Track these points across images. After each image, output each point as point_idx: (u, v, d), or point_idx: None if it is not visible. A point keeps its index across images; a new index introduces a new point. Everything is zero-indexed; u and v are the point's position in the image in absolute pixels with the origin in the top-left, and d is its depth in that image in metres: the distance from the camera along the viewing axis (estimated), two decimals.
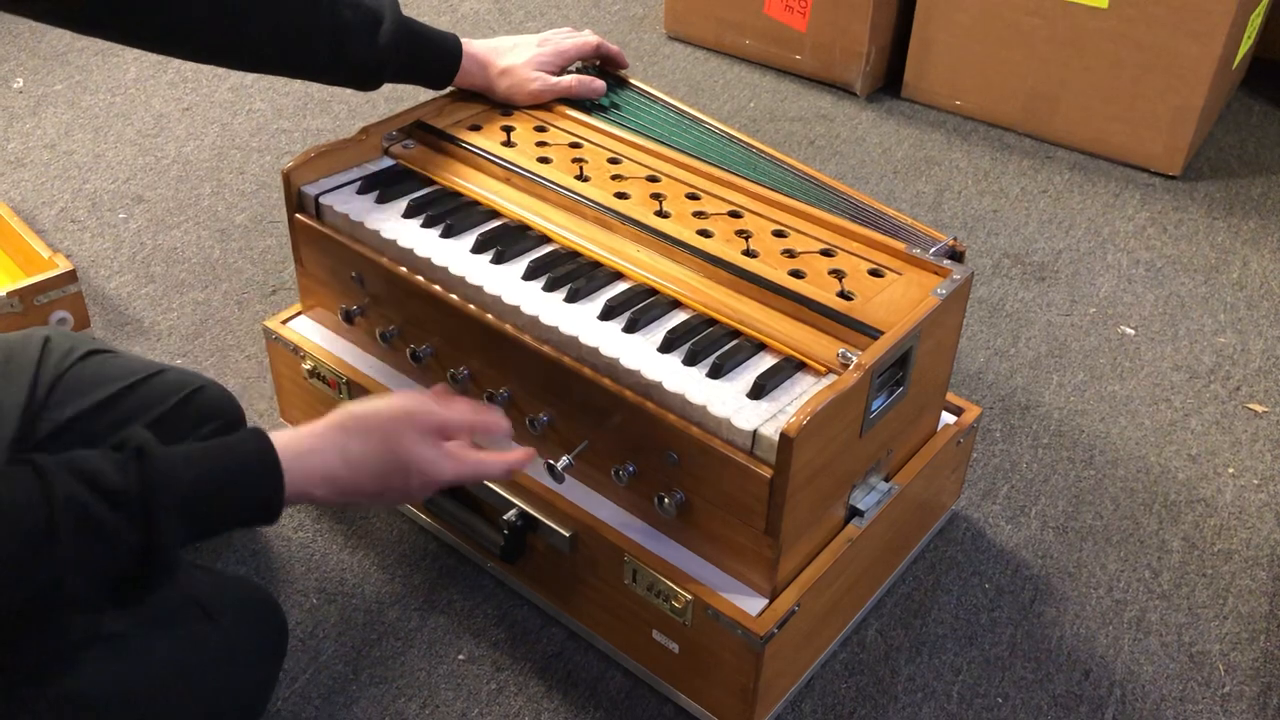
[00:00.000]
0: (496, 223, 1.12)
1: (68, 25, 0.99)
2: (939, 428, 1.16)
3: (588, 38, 1.30)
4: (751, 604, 0.96)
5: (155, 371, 1.07)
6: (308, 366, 1.21)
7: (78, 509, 0.70)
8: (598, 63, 1.34)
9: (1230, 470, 1.35)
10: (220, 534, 0.81)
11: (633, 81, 1.34)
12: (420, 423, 0.88)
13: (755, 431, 0.90)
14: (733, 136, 1.24)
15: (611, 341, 0.98)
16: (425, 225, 1.11)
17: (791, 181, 1.18)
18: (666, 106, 1.30)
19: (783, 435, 0.87)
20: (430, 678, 1.08)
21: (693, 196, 1.13)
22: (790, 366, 0.96)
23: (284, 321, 1.26)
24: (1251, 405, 1.45)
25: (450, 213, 1.12)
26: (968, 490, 1.30)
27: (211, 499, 0.77)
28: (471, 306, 1.05)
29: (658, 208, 1.11)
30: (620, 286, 1.05)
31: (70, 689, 0.80)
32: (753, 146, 1.23)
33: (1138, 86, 1.87)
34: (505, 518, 1.07)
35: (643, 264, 1.06)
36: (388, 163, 1.21)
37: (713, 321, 1.01)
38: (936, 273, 1.04)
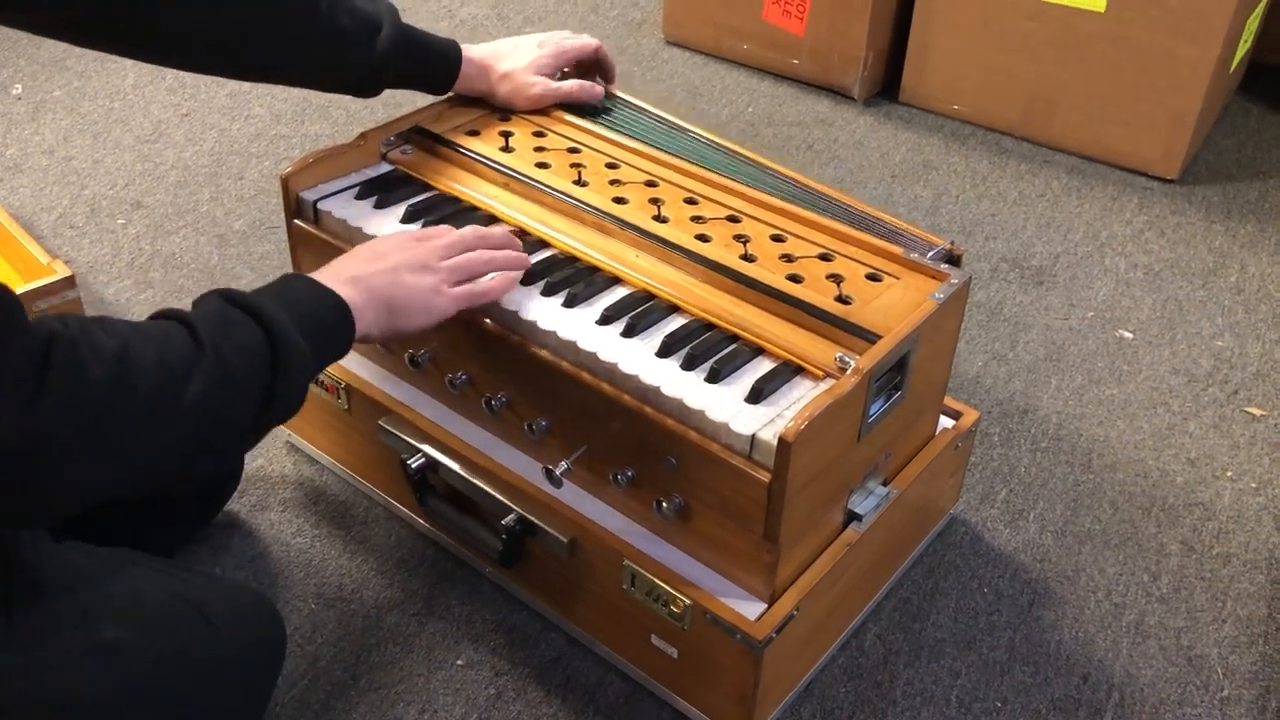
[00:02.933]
0: (494, 228, 1.12)
1: (65, 38, 0.99)
2: (937, 431, 1.17)
3: (588, 40, 1.30)
4: (750, 608, 0.96)
5: None
6: None
7: (209, 319, 0.81)
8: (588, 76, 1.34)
9: (1228, 474, 1.35)
10: (311, 336, 0.88)
11: (621, 95, 1.33)
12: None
13: (753, 436, 0.90)
14: (723, 146, 1.24)
15: (610, 346, 0.98)
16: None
17: (786, 190, 1.18)
18: (657, 120, 1.29)
19: (781, 439, 0.87)
20: (429, 683, 1.08)
21: (691, 201, 1.14)
22: (788, 371, 0.97)
23: None
24: (1249, 409, 1.45)
25: (448, 218, 1.12)
26: (966, 494, 1.30)
27: (279, 299, 0.87)
28: (469, 312, 1.05)
29: (656, 212, 1.11)
30: (619, 291, 1.05)
31: (67, 695, 0.80)
32: (744, 156, 1.22)
33: (1135, 90, 1.87)
34: (503, 522, 1.07)
35: (641, 269, 1.06)
36: (386, 168, 1.21)
37: (711, 326, 1.01)
38: (934, 277, 1.04)
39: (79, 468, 0.72)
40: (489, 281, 1.01)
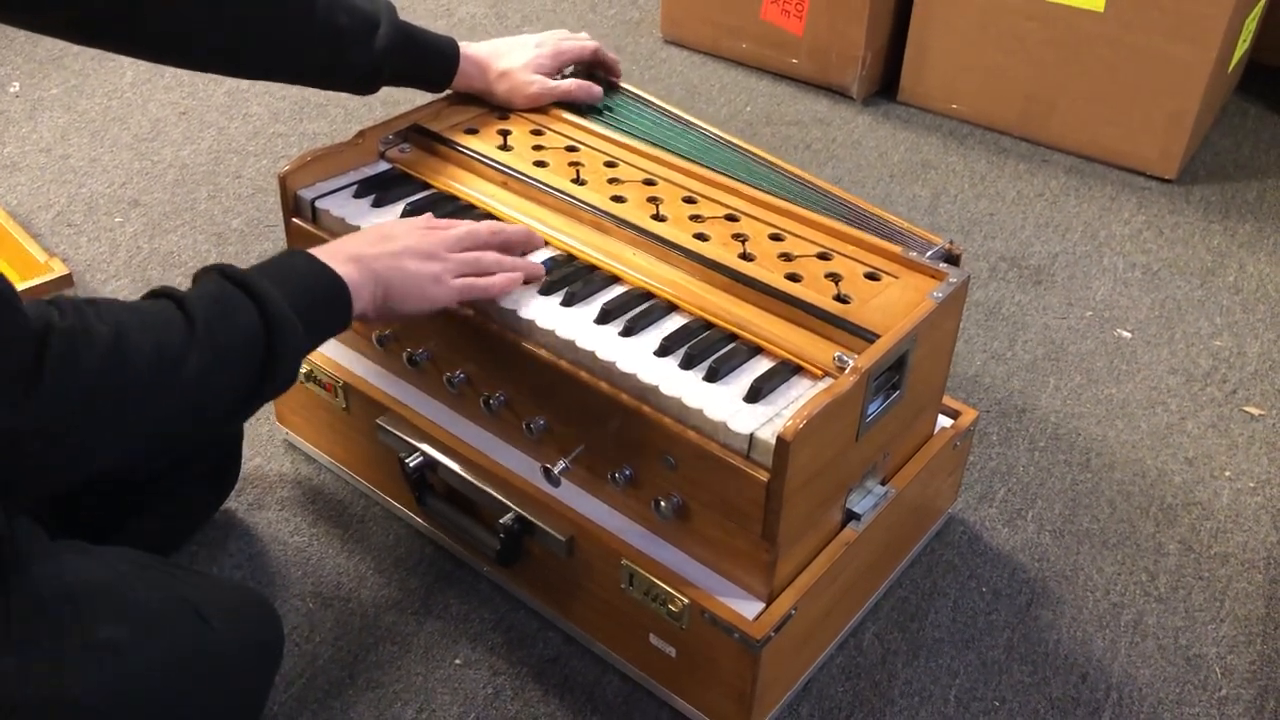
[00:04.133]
0: None
1: (65, 36, 0.99)
2: (935, 431, 1.16)
3: (586, 42, 1.30)
4: (748, 608, 0.96)
5: None
6: (304, 370, 1.21)
7: (204, 298, 0.82)
8: (595, 71, 1.35)
9: (1227, 473, 1.35)
10: (306, 311, 0.88)
11: (627, 87, 1.34)
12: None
13: (752, 435, 0.90)
14: (728, 141, 1.24)
15: (609, 345, 0.98)
16: None
17: (786, 186, 1.18)
18: (660, 112, 1.30)
19: (779, 439, 0.87)
20: (427, 682, 1.08)
21: (689, 200, 1.13)
22: (787, 370, 0.96)
23: None
24: (1248, 408, 1.45)
25: (447, 216, 1.12)
26: (964, 493, 1.30)
27: (277, 274, 0.88)
28: (468, 310, 1.04)
29: (654, 211, 1.11)
30: (617, 290, 1.05)
31: (64, 694, 0.79)
32: (748, 151, 1.23)
33: (1134, 90, 1.87)
34: (501, 521, 1.07)
35: (639, 267, 1.06)
36: (384, 166, 1.21)
37: (709, 325, 1.01)
38: (933, 276, 1.04)
39: (79, 448, 0.75)
40: (490, 280, 1.01)
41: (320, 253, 0.94)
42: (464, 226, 1.03)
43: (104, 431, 0.76)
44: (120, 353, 0.75)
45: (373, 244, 0.97)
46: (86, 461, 0.77)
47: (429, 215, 1.06)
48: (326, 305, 0.91)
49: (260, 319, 0.84)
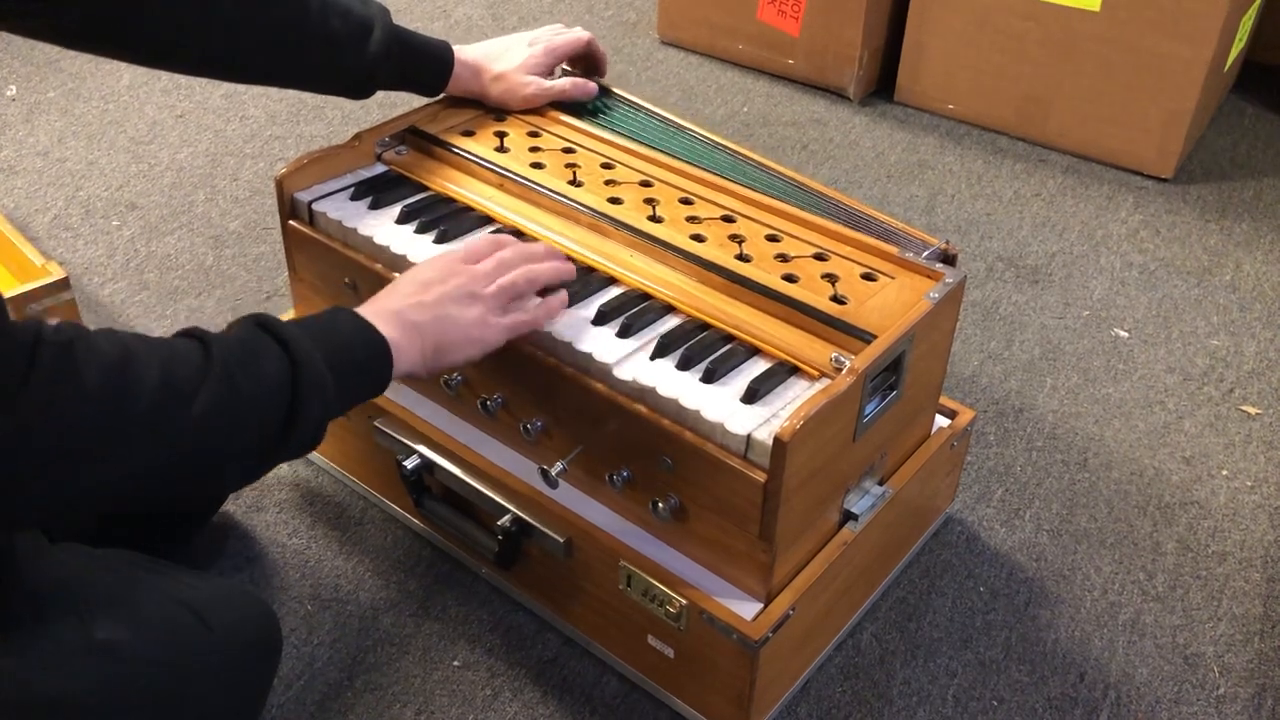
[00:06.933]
0: (490, 228, 1.12)
1: (61, 42, 0.99)
2: (933, 431, 1.17)
3: (579, 34, 1.30)
4: (746, 608, 0.96)
5: None
6: None
7: (231, 341, 0.79)
8: (579, 70, 1.34)
9: (1224, 472, 1.35)
10: (342, 374, 0.85)
11: (616, 91, 1.33)
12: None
13: (749, 436, 0.90)
14: (720, 144, 1.24)
15: (605, 346, 0.98)
16: (418, 231, 1.11)
17: (780, 187, 1.18)
18: (650, 115, 1.30)
19: (776, 439, 0.87)
20: (425, 684, 1.08)
21: (686, 201, 1.14)
22: (784, 371, 0.97)
23: None
24: (1245, 407, 1.45)
25: (443, 218, 1.13)
26: (962, 493, 1.30)
27: (316, 330, 0.85)
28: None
29: (651, 213, 1.11)
30: (614, 291, 1.05)
31: (62, 695, 0.80)
32: (741, 154, 1.23)
33: (1130, 90, 1.87)
34: (500, 523, 1.07)
35: (636, 269, 1.06)
36: (381, 169, 1.21)
37: (706, 326, 1.01)
38: (929, 276, 1.04)
39: (63, 476, 0.69)
40: (535, 309, 0.99)
41: (365, 311, 0.90)
42: (493, 259, 0.99)
43: (92, 463, 0.70)
44: (123, 374, 0.71)
45: (410, 296, 0.93)
46: (68, 494, 0.70)
47: (462, 247, 1.01)
48: (363, 370, 0.87)
49: (289, 370, 0.79)
